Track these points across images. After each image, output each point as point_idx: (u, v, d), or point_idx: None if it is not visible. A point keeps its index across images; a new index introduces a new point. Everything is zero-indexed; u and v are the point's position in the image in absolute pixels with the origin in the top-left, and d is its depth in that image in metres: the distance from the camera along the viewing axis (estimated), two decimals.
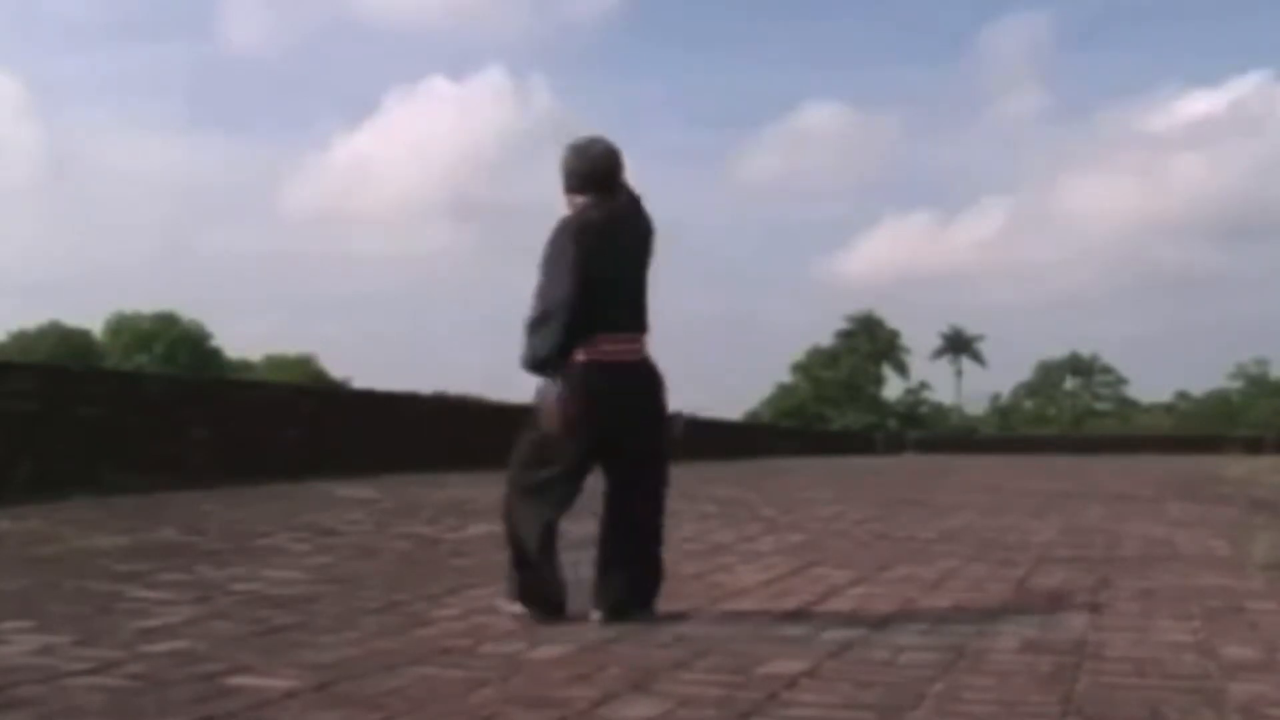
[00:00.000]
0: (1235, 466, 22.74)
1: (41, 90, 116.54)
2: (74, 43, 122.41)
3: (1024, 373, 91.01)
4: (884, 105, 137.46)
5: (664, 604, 4.19)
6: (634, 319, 4.04)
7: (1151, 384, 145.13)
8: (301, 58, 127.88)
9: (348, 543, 6.35)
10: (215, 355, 70.70)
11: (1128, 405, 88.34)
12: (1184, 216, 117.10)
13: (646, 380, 4.05)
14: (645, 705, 2.72)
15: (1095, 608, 4.27)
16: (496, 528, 7.34)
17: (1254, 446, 46.28)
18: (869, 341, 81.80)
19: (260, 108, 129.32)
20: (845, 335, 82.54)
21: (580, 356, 3.87)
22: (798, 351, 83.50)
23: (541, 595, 3.91)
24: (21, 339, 67.70)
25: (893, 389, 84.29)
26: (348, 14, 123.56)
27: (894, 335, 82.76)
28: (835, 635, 3.66)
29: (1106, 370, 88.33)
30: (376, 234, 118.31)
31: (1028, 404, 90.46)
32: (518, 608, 3.91)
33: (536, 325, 3.89)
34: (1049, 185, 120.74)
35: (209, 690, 2.81)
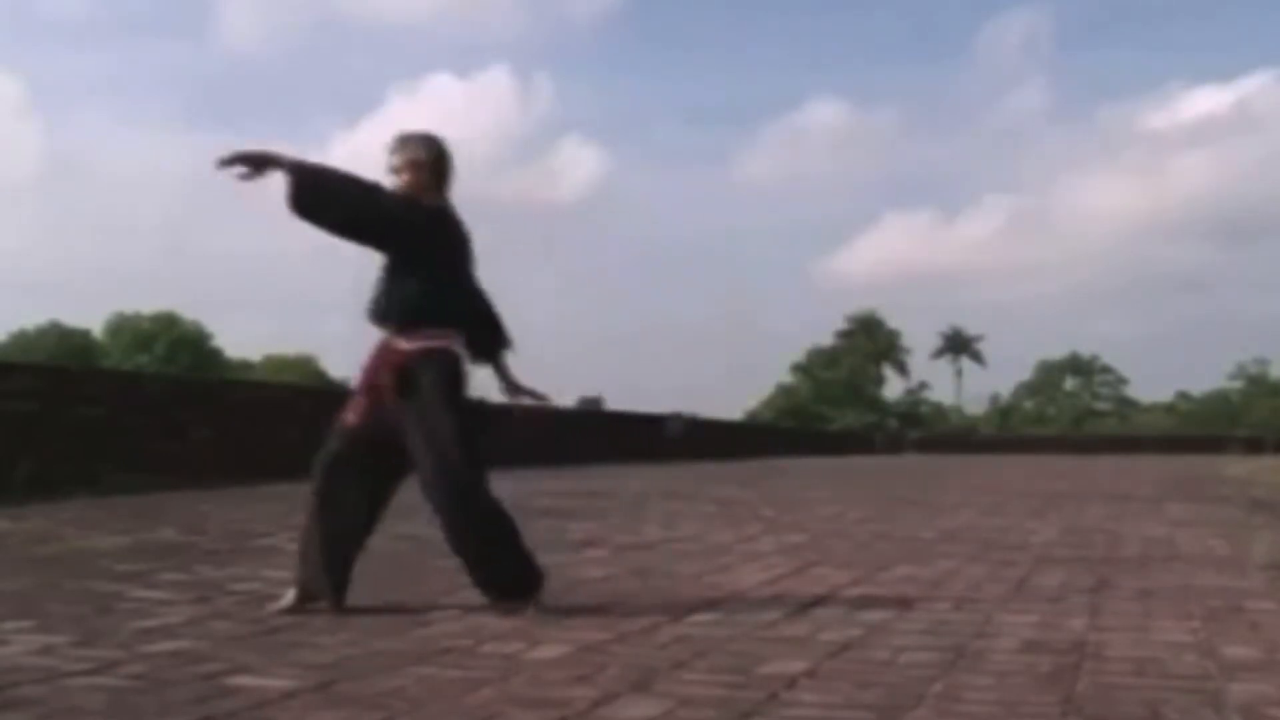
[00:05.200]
0: (1235, 466, 22.75)
1: (41, 90, 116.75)
2: (74, 43, 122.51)
3: (1024, 373, 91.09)
4: (884, 103, 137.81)
5: (664, 604, 4.19)
6: None
7: (1151, 384, 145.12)
8: (302, 56, 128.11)
9: None
10: (215, 355, 70.68)
11: (1128, 405, 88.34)
12: (1185, 216, 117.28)
13: None
14: (645, 705, 2.72)
15: (1095, 608, 4.26)
16: None
17: (1254, 446, 46.36)
18: (869, 341, 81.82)
19: (261, 106, 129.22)
20: (845, 335, 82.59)
21: None
22: (798, 351, 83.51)
23: None
24: (21, 339, 67.68)
25: (893, 389, 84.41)
26: (349, 11, 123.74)
27: (894, 335, 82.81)
28: (835, 635, 3.66)
29: (1106, 370, 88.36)
30: None
31: (1028, 404, 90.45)
32: None
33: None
34: (1050, 184, 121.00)
35: (209, 690, 2.81)
